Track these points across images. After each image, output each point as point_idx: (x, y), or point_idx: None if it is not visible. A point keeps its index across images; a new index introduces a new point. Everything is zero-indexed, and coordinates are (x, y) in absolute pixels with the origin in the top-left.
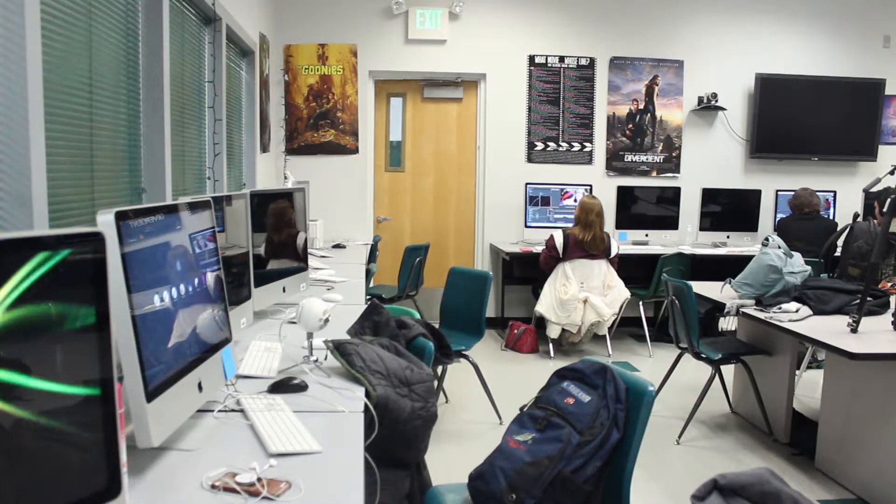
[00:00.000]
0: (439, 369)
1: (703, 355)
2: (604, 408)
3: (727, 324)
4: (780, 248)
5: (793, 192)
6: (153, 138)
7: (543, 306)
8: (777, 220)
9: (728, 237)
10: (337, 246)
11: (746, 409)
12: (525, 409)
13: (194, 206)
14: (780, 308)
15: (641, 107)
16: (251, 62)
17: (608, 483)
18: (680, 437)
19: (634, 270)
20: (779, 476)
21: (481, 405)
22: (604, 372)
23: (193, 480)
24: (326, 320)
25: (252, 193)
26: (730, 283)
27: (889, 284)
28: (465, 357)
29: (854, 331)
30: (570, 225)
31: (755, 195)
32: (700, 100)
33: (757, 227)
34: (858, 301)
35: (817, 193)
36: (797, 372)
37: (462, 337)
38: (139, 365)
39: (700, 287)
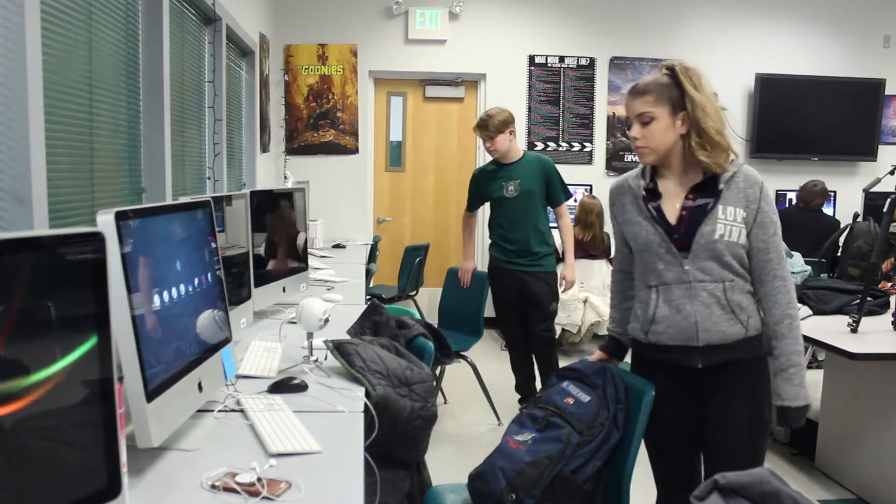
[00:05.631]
0: (438, 370)
1: None
2: (604, 408)
3: None
4: None
5: (793, 192)
6: (153, 138)
7: None
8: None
9: None
10: (337, 246)
11: None
12: (525, 409)
13: (194, 206)
14: None
15: None
16: (251, 62)
17: (608, 483)
18: None
19: None
20: (779, 476)
21: (480, 406)
22: (603, 372)
23: (193, 480)
24: (326, 320)
25: (252, 193)
26: None
27: (889, 284)
28: (464, 357)
29: (854, 331)
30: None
31: None
32: None
33: None
34: (858, 301)
35: (821, 183)
36: None
37: (460, 337)
38: (139, 365)
39: None
